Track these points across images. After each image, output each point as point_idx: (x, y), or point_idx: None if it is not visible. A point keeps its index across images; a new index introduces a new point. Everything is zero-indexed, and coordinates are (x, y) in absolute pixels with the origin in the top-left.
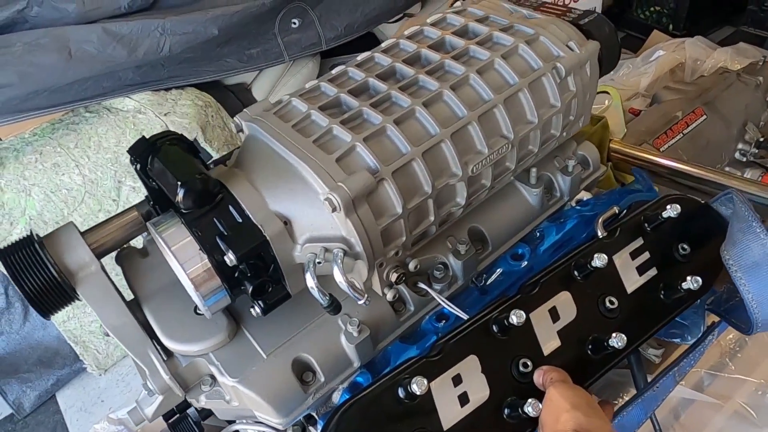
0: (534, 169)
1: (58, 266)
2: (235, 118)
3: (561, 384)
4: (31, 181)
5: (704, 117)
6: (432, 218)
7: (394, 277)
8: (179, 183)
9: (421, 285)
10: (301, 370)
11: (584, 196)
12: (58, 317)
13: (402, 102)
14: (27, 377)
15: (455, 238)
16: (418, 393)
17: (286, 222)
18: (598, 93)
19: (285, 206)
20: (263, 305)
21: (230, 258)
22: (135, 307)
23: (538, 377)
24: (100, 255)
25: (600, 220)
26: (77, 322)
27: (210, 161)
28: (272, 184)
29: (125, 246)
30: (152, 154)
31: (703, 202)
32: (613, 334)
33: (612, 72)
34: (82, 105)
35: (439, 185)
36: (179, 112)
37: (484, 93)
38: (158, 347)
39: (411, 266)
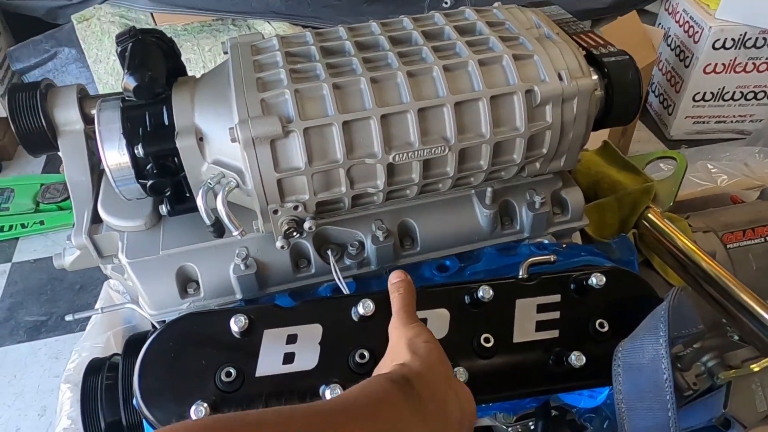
0: (490, 189)
1: (48, 116)
2: (225, 40)
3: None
4: None
5: None
6: (343, 189)
7: (284, 228)
8: (127, 71)
9: (328, 252)
10: (188, 279)
11: (547, 239)
12: None
13: (357, 70)
14: None
15: (382, 223)
16: (236, 330)
17: (202, 138)
18: (667, 157)
19: (207, 124)
20: (169, 206)
21: (138, 151)
22: (98, 173)
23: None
24: (90, 120)
25: (528, 262)
26: None
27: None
28: (207, 100)
29: None
30: (131, 43)
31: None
32: (456, 368)
33: (760, 157)
34: (230, 17)
35: (354, 159)
36: None
37: (440, 89)
38: (94, 212)
39: (306, 225)
